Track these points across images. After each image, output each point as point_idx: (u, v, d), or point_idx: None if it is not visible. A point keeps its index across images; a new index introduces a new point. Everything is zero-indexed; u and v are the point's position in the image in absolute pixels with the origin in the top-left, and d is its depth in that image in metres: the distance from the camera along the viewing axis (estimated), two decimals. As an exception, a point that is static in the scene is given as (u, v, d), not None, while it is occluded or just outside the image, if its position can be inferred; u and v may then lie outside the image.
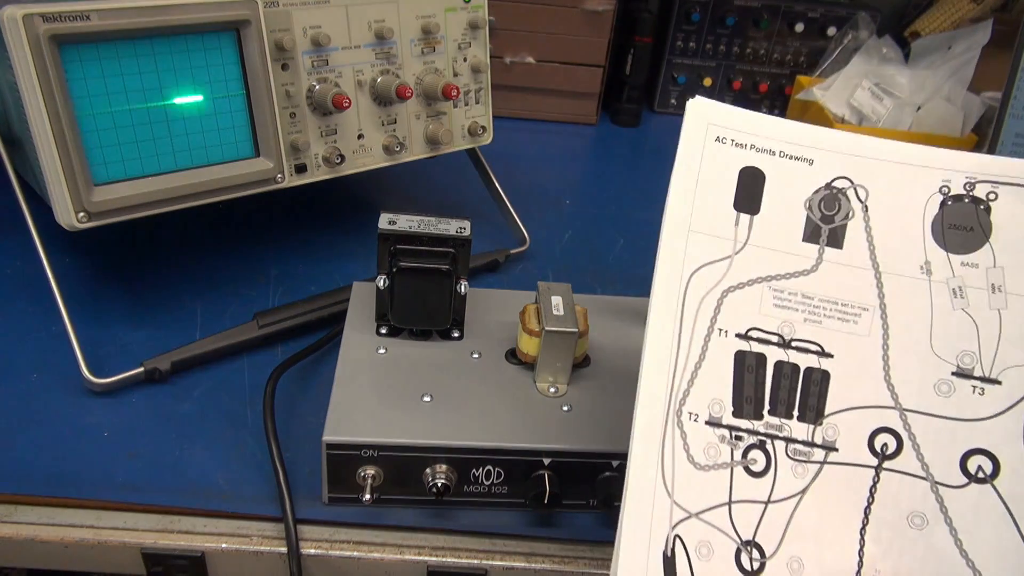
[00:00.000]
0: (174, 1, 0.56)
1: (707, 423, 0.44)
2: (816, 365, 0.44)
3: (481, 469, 0.53)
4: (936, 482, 0.43)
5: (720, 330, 0.44)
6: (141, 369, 0.61)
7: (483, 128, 0.76)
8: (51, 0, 0.52)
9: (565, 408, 0.55)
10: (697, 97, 0.44)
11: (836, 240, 0.43)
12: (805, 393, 0.44)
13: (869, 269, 0.43)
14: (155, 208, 0.60)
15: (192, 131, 0.60)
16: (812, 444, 0.44)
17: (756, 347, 0.44)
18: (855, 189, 0.43)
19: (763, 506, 0.43)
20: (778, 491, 0.44)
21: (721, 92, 1.26)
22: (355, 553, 0.52)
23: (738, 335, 0.44)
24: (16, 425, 0.57)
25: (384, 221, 0.57)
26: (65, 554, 0.51)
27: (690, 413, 0.44)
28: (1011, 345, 0.43)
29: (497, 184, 0.82)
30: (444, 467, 0.52)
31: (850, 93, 1.10)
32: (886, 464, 0.44)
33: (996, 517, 0.42)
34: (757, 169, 0.43)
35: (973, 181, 0.43)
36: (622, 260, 0.85)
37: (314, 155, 0.67)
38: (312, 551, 0.51)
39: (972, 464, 0.43)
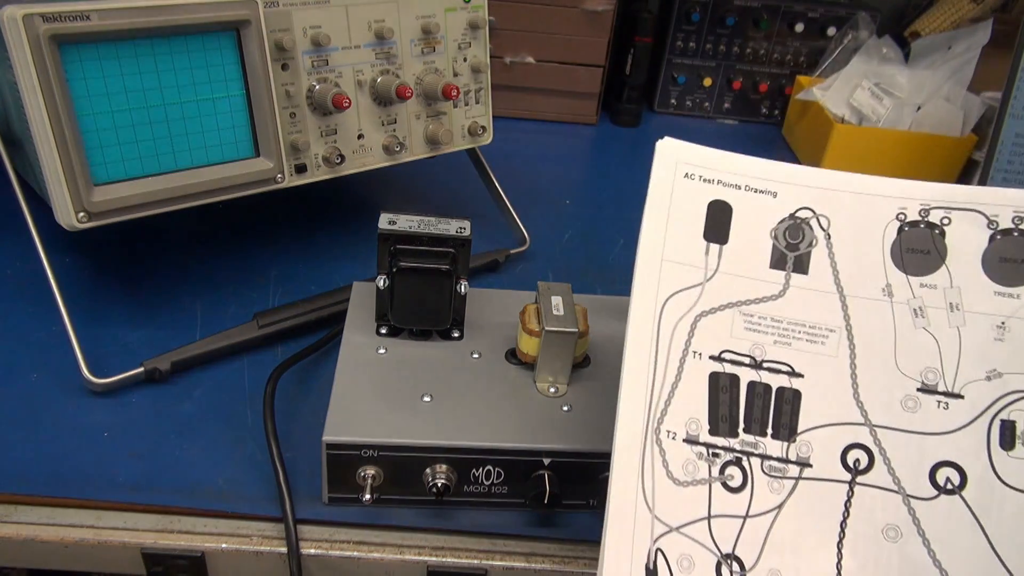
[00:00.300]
0: (174, 1, 0.56)
1: (684, 440, 0.45)
2: (787, 384, 0.46)
3: (481, 469, 0.53)
4: (908, 495, 0.44)
5: (695, 352, 0.46)
6: (141, 369, 0.61)
7: (483, 128, 0.76)
8: (51, 0, 0.52)
9: (565, 408, 0.55)
10: (666, 138, 0.47)
11: (802, 266, 0.46)
12: (778, 412, 0.46)
13: (834, 293, 0.45)
14: (155, 208, 0.60)
15: (192, 131, 0.60)
16: (787, 461, 0.46)
17: (729, 368, 0.46)
18: (817, 219, 0.46)
19: (741, 520, 0.45)
20: (755, 506, 0.45)
21: (721, 92, 1.26)
22: (355, 553, 0.52)
23: (711, 357, 0.46)
24: (16, 425, 0.57)
25: (384, 221, 0.57)
26: (65, 554, 0.51)
27: (668, 431, 0.45)
28: (970, 361, 0.45)
29: (497, 184, 0.82)
30: (444, 467, 0.52)
31: (850, 93, 1.10)
32: (859, 479, 0.45)
33: (965, 526, 0.44)
34: (724, 202, 0.46)
35: (928, 207, 0.46)
36: (622, 260, 0.85)
37: (314, 155, 0.67)
38: (312, 551, 0.51)
39: (940, 476, 0.44)
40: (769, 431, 0.46)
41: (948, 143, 1.06)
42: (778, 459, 0.46)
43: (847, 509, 0.45)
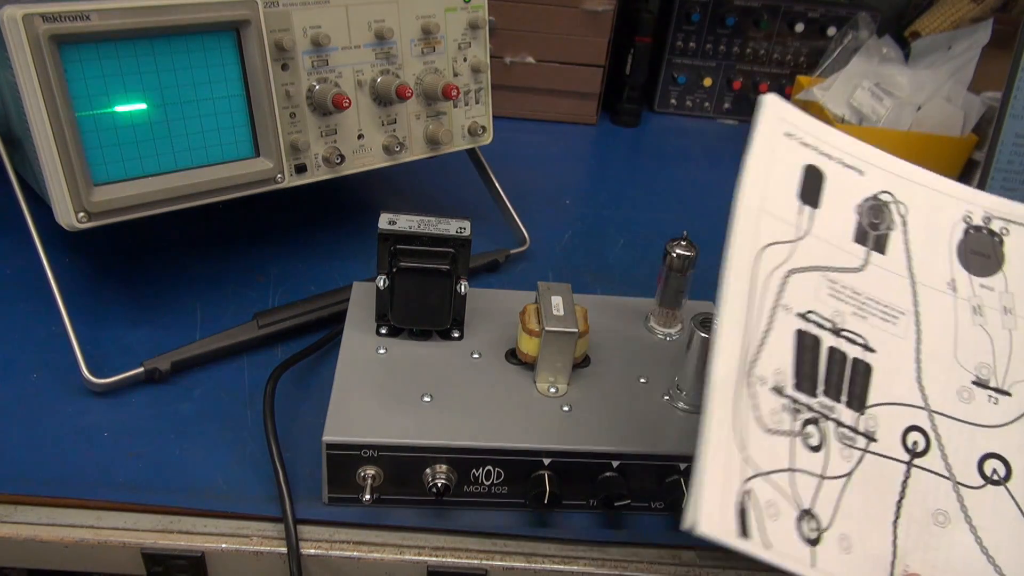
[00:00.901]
0: (174, 1, 0.56)
1: (772, 389, 0.45)
2: (861, 357, 0.47)
3: (481, 469, 0.53)
4: (957, 482, 0.46)
5: (784, 306, 0.46)
6: (141, 369, 0.61)
7: (483, 128, 0.76)
8: (51, 0, 0.52)
9: (565, 408, 0.55)
10: (770, 94, 0.48)
11: (880, 246, 0.47)
12: (852, 381, 0.47)
13: (906, 277, 0.47)
14: (155, 208, 0.60)
15: (192, 131, 0.60)
16: (856, 431, 0.46)
17: (813, 329, 0.47)
18: (896, 204, 0.48)
19: (818, 480, 0.45)
20: (830, 469, 0.45)
21: (721, 92, 1.26)
22: (355, 553, 0.52)
23: (798, 314, 0.46)
24: (16, 425, 0.57)
25: (384, 221, 0.57)
26: (65, 554, 0.51)
27: (759, 376, 0.45)
28: (1020, 362, 0.47)
29: (497, 184, 0.82)
30: (444, 467, 0.52)
31: (850, 93, 1.10)
32: (916, 461, 0.46)
33: (1010, 517, 0.45)
34: (818, 169, 0.47)
35: (990, 216, 0.49)
36: (622, 260, 0.85)
37: (314, 155, 0.67)
38: (312, 551, 0.51)
39: (988, 467, 0.46)
40: (843, 398, 0.47)
41: (948, 143, 1.06)
42: (849, 428, 0.46)
43: (903, 490, 0.46)
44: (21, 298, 0.68)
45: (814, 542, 0.43)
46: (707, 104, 1.27)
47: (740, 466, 0.43)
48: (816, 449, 0.45)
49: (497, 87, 1.13)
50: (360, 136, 0.69)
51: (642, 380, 0.59)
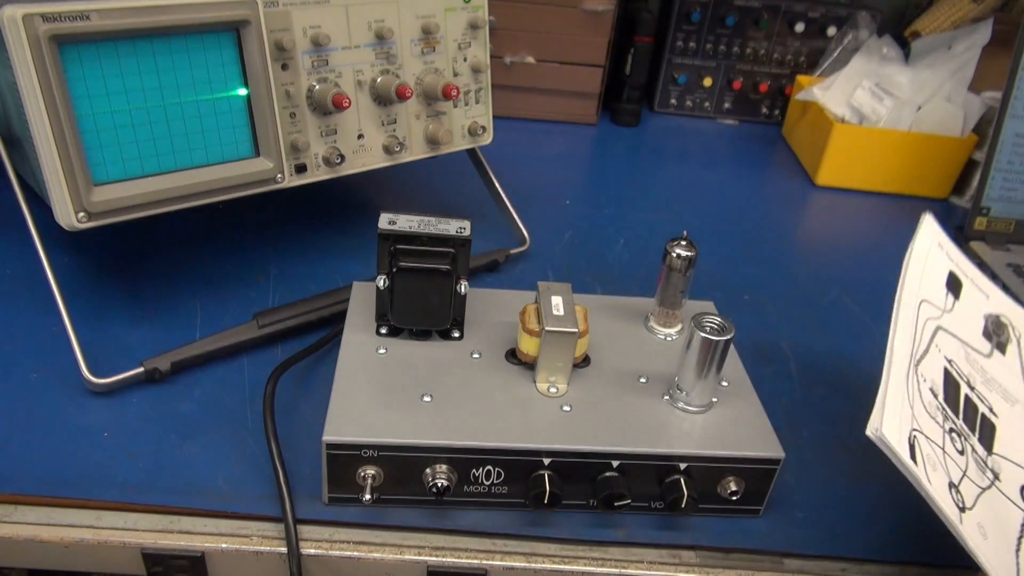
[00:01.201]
0: (174, 1, 0.56)
1: (929, 389, 0.54)
2: (987, 415, 0.53)
3: (481, 469, 0.53)
4: None
5: (936, 346, 0.55)
6: (141, 369, 0.61)
7: (483, 128, 0.76)
8: (51, 0, 0.52)
9: (565, 408, 0.55)
10: (929, 215, 0.58)
11: (1002, 349, 0.54)
12: (982, 428, 0.53)
13: (1019, 377, 0.54)
14: (155, 208, 0.60)
15: (192, 131, 0.60)
16: (986, 465, 0.52)
17: (954, 375, 0.55)
18: (1011, 327, 0.55)
19: (962, 472, 0.51)
20: (970, 474, 0.52)
21: (721, 92, 1.26)
22: (355, 553, 0.52)
23: (946, 358, 0.55)
24: (16, 425, 0.57)
25: (384, 221, 0.57)
26: (65, 554, 0.51)
27: (921, 373, 0.54)
28: None
29: (497, 184, 0.82)
30: (444, 467, 0.52)
31: (850, 93, 1.10)
32: None
33: None
34: (958, 278, 0.57)
35: None
36: (622, 260, 0.85)
37: (314, 155, 0.67)
38: (312, 551, 0.51)
39: None
40: (976, 434, 0.53)
41: (948, 143, 1.06)
42: (982, 458, 0.52)
43: (1019, 544, 0.50)
44: (21, 298, 0.68)
45: (961, 509, 0.49)
46: (707, 104, 1.27)
47: (910, 415, 0.51)
48: (960, 453, 0.52)
49: (497, 87, 1.13)
50: (360, 136, 0.69)
51: (642, 380, 0.59)
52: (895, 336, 0.54)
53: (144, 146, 0.58)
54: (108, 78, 0.55)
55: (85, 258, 0.75)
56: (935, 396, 0.54)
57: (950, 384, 0.55)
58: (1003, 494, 0.51)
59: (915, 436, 0.51)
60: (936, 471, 0.50)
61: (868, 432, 0.48)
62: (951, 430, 0.53)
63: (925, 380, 0.54)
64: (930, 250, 0.58)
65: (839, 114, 1.09)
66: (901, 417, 0.51)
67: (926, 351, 0.55)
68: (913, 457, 0.49)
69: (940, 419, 0.53)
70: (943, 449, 0.52)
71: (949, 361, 0.55)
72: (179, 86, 0.59)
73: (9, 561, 0.52)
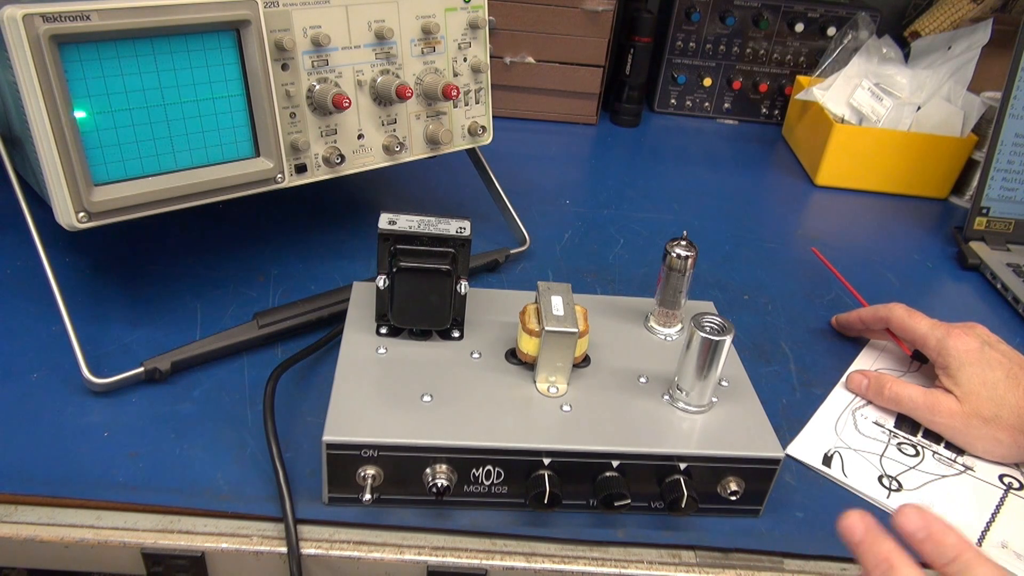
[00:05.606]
0: (174, 1, 0.56)
1: (874, 423, 0.67)
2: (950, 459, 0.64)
3: (481, 469, 0.53)
4: None
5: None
6: (141, 369, 0.61)
7: (483, 128, 0.76)
8: (51, 0, 0.52)
9: (565, 408, 0.55)
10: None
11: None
12: (948, 444, 0.65)
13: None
14: (155, 208, 0.60)
15: (192, 131, 0.60)
16: (954, 461, 0.63)
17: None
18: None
19: (907, 468, 0.62)
20: (923, 466, 0.62)
21: (721, 92, 1.26)
22: (355, 553, 0.52)
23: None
24: (16, 425, 0.57)
25: (384, 221, 0.57)
26: (65, 554, 0.51)
27: (862, 413, 0.67)
28: None
29: (497, 184, 0.82)
30: (444, 467, 0.52)
31: (850, 93, 1.10)
32: (1012, 492, 0.61)
33: None
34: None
35: None
36: (622, 260, 0.85)
37: (314, 155, 0.67)
38: (312, 551, 0.51)
39: None
40: (943, 442, 0.65)
41: (948, 143, 1.06)
42: (948, 457, 0.63)
43: (998, 509, 0.59)
44: (21, 298, 0.68)
45: (892, 490, 0.60)
46: (707, 104, 1.27)
47: (835, 439, 0.64)
48: (911, 456, 0.63)
49: (497, 87, 1.13)
50: (360, 136, 0.69)
51: (642, 380, 0.59)
52: (830, 399, 0.68)
53: (144, 146, 0.58)
54: (108, 78, 0.55)
55: (85, 258, 0.75)
56: (880, 426, 0.66)
57: (906, 419, 0.66)
58: (977, 479, 0.62)
59: (835, 452, 0.62)
60: (860, 469, 0.61)
61: (785, 452, 0.60)
62: (902, 443, 0.64)
63: (866, 417, 0.67)
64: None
65: (839, 114, 1.09)
66: (820, 441, 0.63)
67: (868, 402, 0.68)
68: (828, 465, 0.61)
69: (884, 438, 0.65)
70: (881, 455, 0.63)
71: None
72: (179, 86, 0.59)
73: (9, 561, 0.52)
